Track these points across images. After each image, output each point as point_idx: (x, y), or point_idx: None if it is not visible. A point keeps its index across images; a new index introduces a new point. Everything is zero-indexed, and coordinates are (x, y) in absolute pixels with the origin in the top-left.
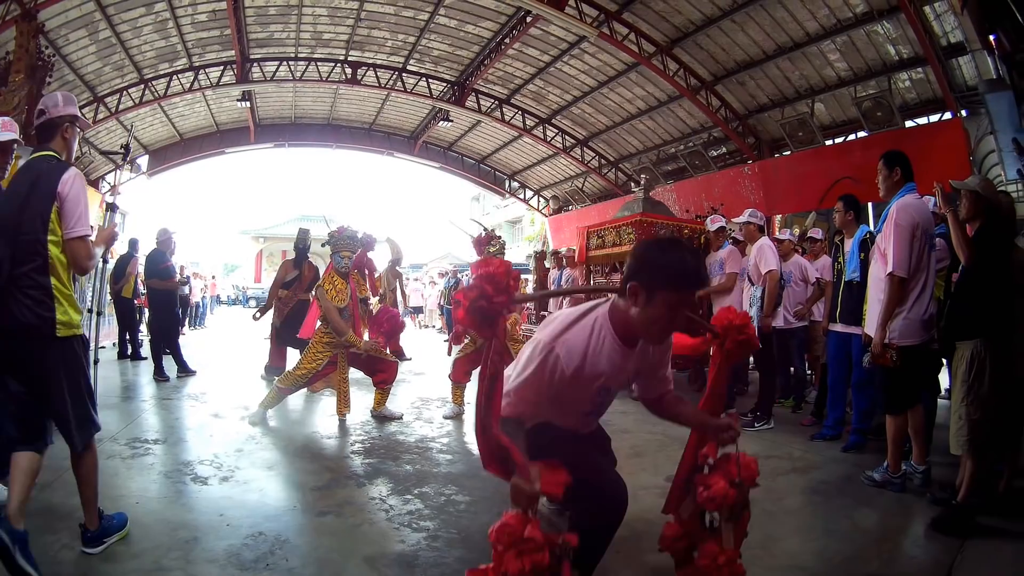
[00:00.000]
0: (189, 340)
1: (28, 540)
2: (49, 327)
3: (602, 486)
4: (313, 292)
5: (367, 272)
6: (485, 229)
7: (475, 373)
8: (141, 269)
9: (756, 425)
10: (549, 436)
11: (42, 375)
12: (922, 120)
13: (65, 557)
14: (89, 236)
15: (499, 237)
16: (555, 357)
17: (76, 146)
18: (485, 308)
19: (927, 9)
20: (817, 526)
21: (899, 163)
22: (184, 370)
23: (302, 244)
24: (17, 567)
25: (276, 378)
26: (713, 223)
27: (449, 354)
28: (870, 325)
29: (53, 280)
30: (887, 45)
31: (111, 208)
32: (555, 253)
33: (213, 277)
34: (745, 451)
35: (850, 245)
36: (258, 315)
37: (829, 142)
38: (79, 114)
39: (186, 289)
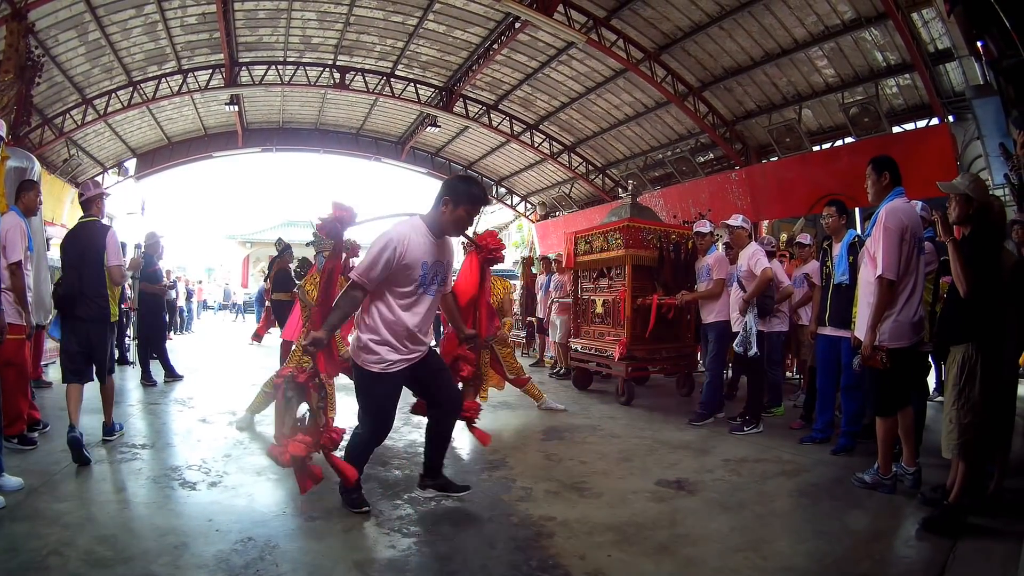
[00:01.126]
0: (176, 345)
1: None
2: (107, 316)
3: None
4: (295, 291)
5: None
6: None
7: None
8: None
9: (745, 429)
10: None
11: (101, 341)
12: (909, 126)
13: (53, 563)
14: (122, 264)
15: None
16: (394, 245)
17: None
18: None
19: (915, 16)
20: (808, 528)
21: (888, 168)
22: (171, 374)
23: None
24: (83, 456)
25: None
26: (700, 226)
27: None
28: (860, 328)
29: (108, 291)
30: (875, 51)
31: (137, 246)
32: (543, 258)
33: (200, 282)
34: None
35: (839, 249)
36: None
37: (816, 148)
38: (104, 191)
39: (172, 293)
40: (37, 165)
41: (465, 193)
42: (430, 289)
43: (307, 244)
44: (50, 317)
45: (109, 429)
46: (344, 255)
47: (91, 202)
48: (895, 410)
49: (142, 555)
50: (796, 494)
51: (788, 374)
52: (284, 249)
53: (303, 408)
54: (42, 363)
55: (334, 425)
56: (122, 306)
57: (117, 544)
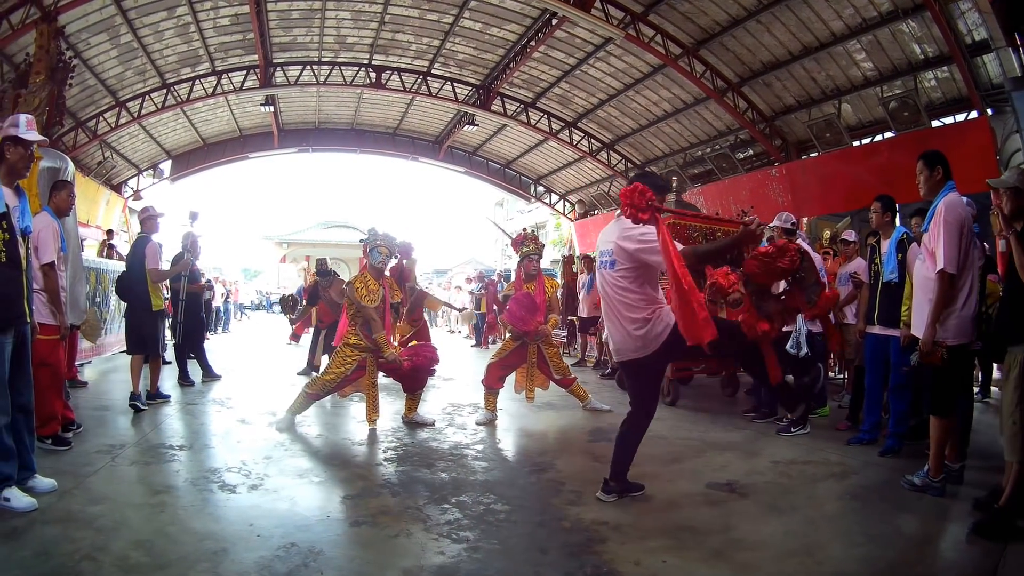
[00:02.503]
0: (213, 345)
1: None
2: (148, 305)
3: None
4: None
5: (404, 280)
6: (524, 229)
7: (509, 379)
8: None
9: (793, 430)
10: None
11: (141, 323)
12: (948, 119)
13: (86, 568)
14: (157, 267)
15: (536, 237)
16: None
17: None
18: None
19: (951, 6)
20: (859, 532)
21: (940, 162)
22: (209, 375)
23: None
24: (138, 408)
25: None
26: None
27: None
28: (918, 326)
29: (148, 287)
30: (912, 44)
31: (184, 250)
32: (585, 257)
33: (236, 282)
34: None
35: (887, 246)
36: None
37: (856, 143)
38: (157, 215)
39: (208, 294)
40: (70, 165)
41: None
42: None
43: (360, 240)
44: (84, 317)
45: (152, 395)
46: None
47: (145, 222)
48: (953, 410)
49: (179, 561)
50: (846, 497)
51: (831, 374)
52: (323, 273)
53: None
54: (76, 363)
55: None
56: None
57: (153, 549)
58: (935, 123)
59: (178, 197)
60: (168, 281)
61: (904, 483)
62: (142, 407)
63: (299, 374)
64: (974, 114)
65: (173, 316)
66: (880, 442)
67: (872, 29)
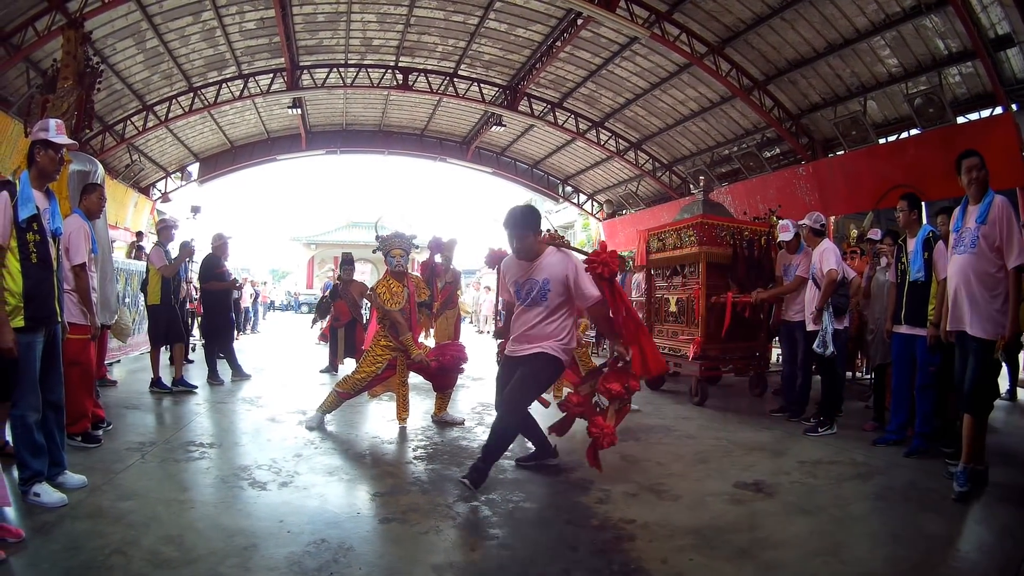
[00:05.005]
0: (243, 345)
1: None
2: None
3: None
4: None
5: (436, 276)
6: (548, 229)
7: None
8: (195, 274)
9: (820, 431)
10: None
11: (150, 319)
12: (973, 115)
13: (116, 562)
14: (164, 266)
15: (562, 237)
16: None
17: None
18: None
19: (974, 0)
20: (884, 532)
21: (983, 159)
22: (239, 374)
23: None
24: (161, 390)
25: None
26: (783, 231)
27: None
28: (974, 323)
29: (150, 287)
30: (936, 39)
31: (184, 244)
32: (619, 257)
33: (264, 283)
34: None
35: (913, 245)
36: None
37: (882, 140)
38: (169, 223)
39: (236, 294)
40: (100, 168)
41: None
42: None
43: (374, 251)
44: (115, 317)
45: (176, 381)
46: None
47: (161, 232)
48: (990, 407)
49: (209, 556)
50: (871, 497)
51: (857, 374)
52: (347, 261)
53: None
54: (106, 362)
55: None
56: (188, 307)
57: (183, 544)
58: (960, 119)
59: (206, 199)
60: (197, 281)
61: (946, 474)
62: (163, 390)
63: (321, 371)
64: (999, 110)
65: (197, 314)
66: (907, 442)
67: (895, 25)
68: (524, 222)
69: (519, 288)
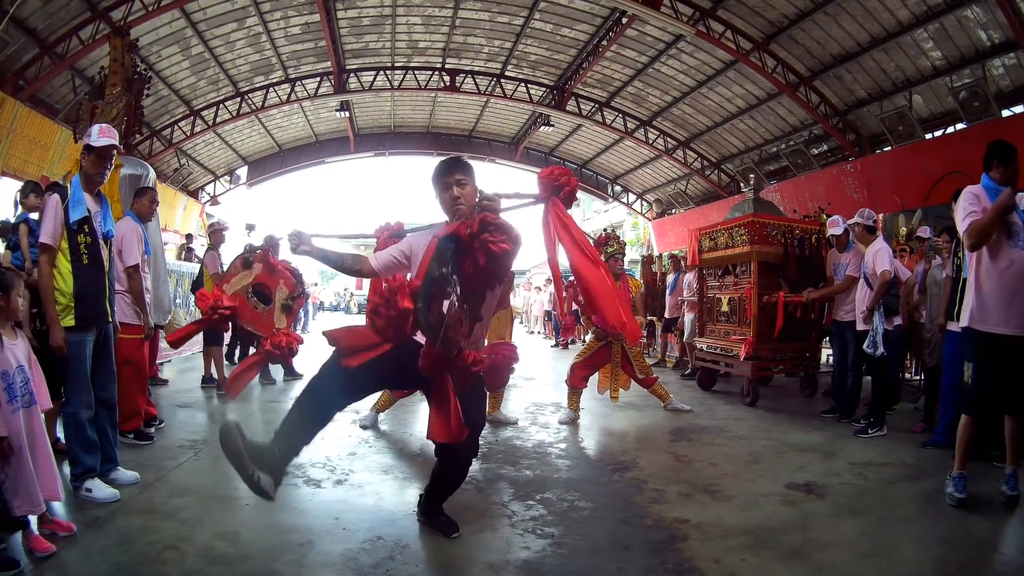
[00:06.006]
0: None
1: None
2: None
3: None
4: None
5: None
6: (605, 230)
7: (592, 379)
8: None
9: (870, 432)
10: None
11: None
12: (1018, 108)
13: (169, 557)
14: (217, 272)
15: (618, 237)
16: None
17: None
18: None
19: None
20: (932, 535)
21: None
22: (291, 373)
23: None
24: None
25: None
26: (832, 226)
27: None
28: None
29: (206, 288)
30: (978, 30)
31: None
32: (672, 256)
33: (315, 284)
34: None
35: None
36: None
37: (928, 136)
38: (219, 227)
39: None
40: (151, 172)
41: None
42: None
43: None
44: (168, 317)
45: (205, 379)
46: None
47: (212, 235)
48: None
49: (264, 552)
50: (920, 499)
51: (906, 375)
52: None
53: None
54: (157, 362)
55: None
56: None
57: (238, 541)
58: (1005, 112)
59: (255, 201)
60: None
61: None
62: (211, 387)
63: None
64: None
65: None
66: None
67: (937, 16)
68: (469, 168)
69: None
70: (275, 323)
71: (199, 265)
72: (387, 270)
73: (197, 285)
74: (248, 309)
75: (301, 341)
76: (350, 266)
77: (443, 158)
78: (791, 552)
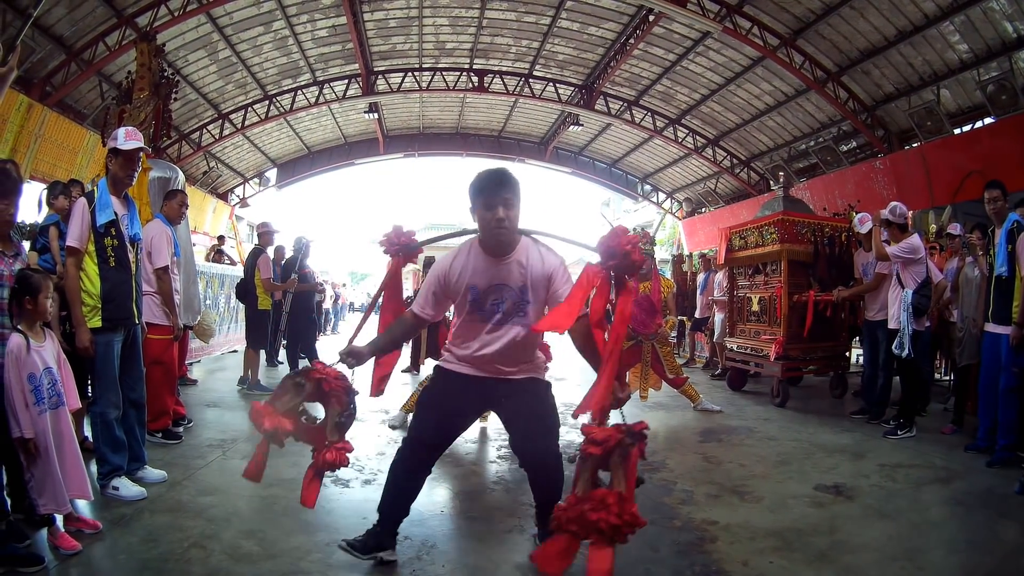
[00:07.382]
0: (324, 345)
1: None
2: (255, 305)
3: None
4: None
5: None
6: (635, 228)
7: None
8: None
9: (899, 433)
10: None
11: (249, 319)
12: None
13: (195, 555)
14: (269, 277)
15: (649, 235)
16: (433, 278)
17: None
18: None
19: None
20: (961, 538)
21: None
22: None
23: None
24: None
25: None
26: (862, 223)
27: None
28: None
29: (257, 291)
30: (1004, 22)
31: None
32: (702, 255)
33: (344, 285)
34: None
35: (998, 236)
36: None
37: (956, 131)
38: (269, 228)
39: (319, 296)
40: (180, 175)
41: (473, 189)
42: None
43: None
44: (198, 318)
45: (242, 379)
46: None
47: (261, 236)
48: None
49: (291, 551)
50: (950, 502)
51: (936, 375)
52: (426, 264)
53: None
54: (186, 362)
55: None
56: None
57: (265, 539)
58: None
59: (285, 204)
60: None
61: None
62: (247, 391)
63: (403, 371)
64: None
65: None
66: (992, 449)
67: (963, 8)
68: (517, 186)
69: (478, 296)
70: (328, 436)
71: (231, 265)
72: (437, 310)
73: (244, 286)
74: (300, 425)
75: (351, 450)
76: (408, 333)
77: (489, 169)
78: (819, 555)
